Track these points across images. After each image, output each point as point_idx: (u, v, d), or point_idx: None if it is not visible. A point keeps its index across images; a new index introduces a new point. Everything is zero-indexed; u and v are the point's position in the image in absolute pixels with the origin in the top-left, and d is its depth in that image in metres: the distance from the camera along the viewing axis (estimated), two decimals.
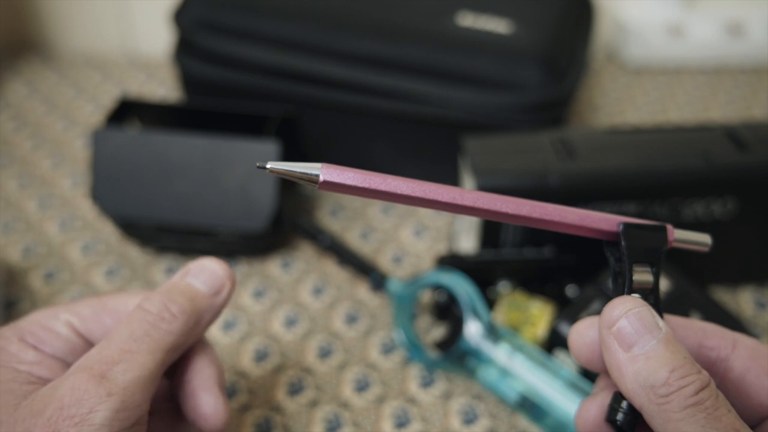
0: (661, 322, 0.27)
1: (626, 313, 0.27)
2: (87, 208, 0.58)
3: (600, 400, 0.30)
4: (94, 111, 0.70)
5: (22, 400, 0.29)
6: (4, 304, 0.49)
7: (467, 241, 0.50)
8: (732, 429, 0.25)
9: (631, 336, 0.27)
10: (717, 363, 0.30)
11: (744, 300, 0.51)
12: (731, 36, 0.77)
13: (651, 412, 0.26)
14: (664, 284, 0.44)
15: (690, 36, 0.77)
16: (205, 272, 0.34)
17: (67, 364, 0.32)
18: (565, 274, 0.48)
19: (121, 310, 0.33)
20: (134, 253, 0.54)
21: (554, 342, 0.44)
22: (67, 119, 0.68)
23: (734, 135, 0.48)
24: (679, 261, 0.46)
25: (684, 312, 0.43)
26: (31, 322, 0.32)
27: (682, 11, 0.78)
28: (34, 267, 0.53)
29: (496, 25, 0.56)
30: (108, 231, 0.56)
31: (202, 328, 0.33)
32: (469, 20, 0.57)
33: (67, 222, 0.57)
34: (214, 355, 0.34)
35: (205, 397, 0.32)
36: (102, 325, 0.33)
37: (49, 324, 0.32)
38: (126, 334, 0.30)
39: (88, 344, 0.33)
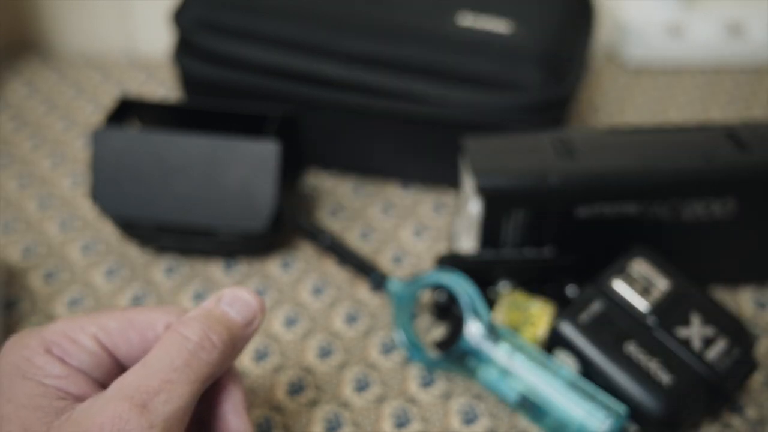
0: None
1: None
2: (87, 208, 0.58)
3: None
4: (94, 111, 0.70)
5: (54, 419, 0.28)
6: (4, 304, 0.49)
7: (467, 241, 0.50)
8: None
9: None
10: None
11: (744, 300, 0.51)
12: (731, 36, 0.77)
13: None
14: (664, 284, 0.44)
15: (690, 36, 0.77)
16: (239, 302, 0.34)
17: (91, 379, 0.31)
18: (565, 274, 0.48)
19: (147, 326, 0.33)
20: (134, 253, 0.54)
21: (554, 342, 0.43)
22: (67, 119, 0.68)
23: (734, 135, 0.48)
24: (679, 261, 0.46)
25: (684, 312, 0.43)
26: (56, 333, 0.31)
27: (682, 11, 0.78)
28: (34, 267, 0.53)
29: (496, 25, 0.56)
30: (108, 231, 0.56)
31: (233, 358, 0.33)
32: (469, 20, 0.57)
33: (67, 222, 0.57)
34: (240, 378, 0.34)
35: (234, 421, 0.33)
36: (128, 340, 0.32)
37: (75, 336, 0.31)
38: (166, 363, 0.30)
39: (113, 359, 0.32)
